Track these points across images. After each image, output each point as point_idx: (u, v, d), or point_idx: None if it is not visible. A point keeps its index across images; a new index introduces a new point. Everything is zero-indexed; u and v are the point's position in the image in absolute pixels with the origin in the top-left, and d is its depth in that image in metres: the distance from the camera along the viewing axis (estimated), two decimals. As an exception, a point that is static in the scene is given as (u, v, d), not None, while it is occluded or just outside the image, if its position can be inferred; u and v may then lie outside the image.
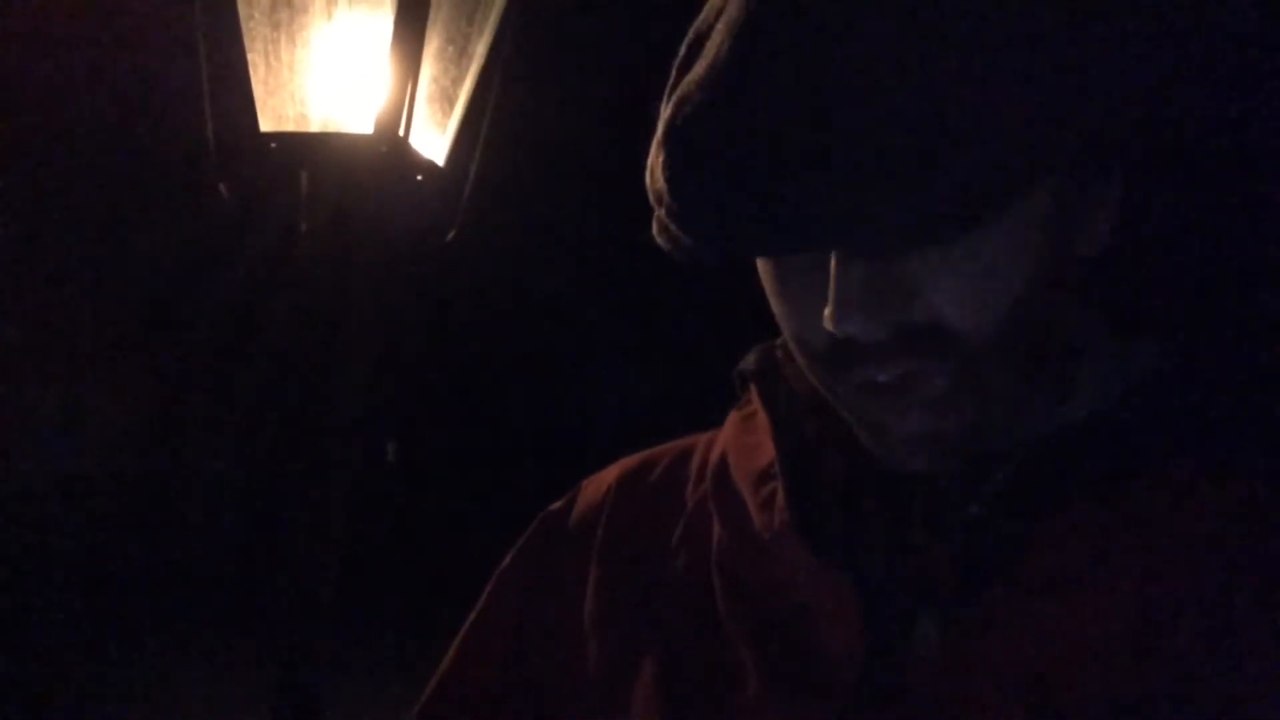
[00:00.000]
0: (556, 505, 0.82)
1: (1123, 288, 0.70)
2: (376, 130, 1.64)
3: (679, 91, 0.60)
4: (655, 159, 0.61)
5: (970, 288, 0.58)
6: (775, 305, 0.65)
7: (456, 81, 1.86)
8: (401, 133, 1.64)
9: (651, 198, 0.63)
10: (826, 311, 0.58)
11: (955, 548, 0.62)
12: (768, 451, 0.70)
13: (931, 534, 0.63)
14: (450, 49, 1.83)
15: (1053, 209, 0.60)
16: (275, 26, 1.66)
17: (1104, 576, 0.60)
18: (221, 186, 1.68)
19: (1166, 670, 0.57)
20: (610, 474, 0.81)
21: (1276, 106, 0.70)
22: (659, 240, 0.63)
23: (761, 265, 0.65)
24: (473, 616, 0.81)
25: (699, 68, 0.59)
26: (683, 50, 0.63)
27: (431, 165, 1.80)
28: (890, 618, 0.63)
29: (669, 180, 0.59)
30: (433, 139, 1.82)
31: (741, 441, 0.73)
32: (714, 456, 0.75)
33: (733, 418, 0.76)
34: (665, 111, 0.61)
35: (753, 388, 0.74)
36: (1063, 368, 0.65)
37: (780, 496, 0.68)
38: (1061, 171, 0.59)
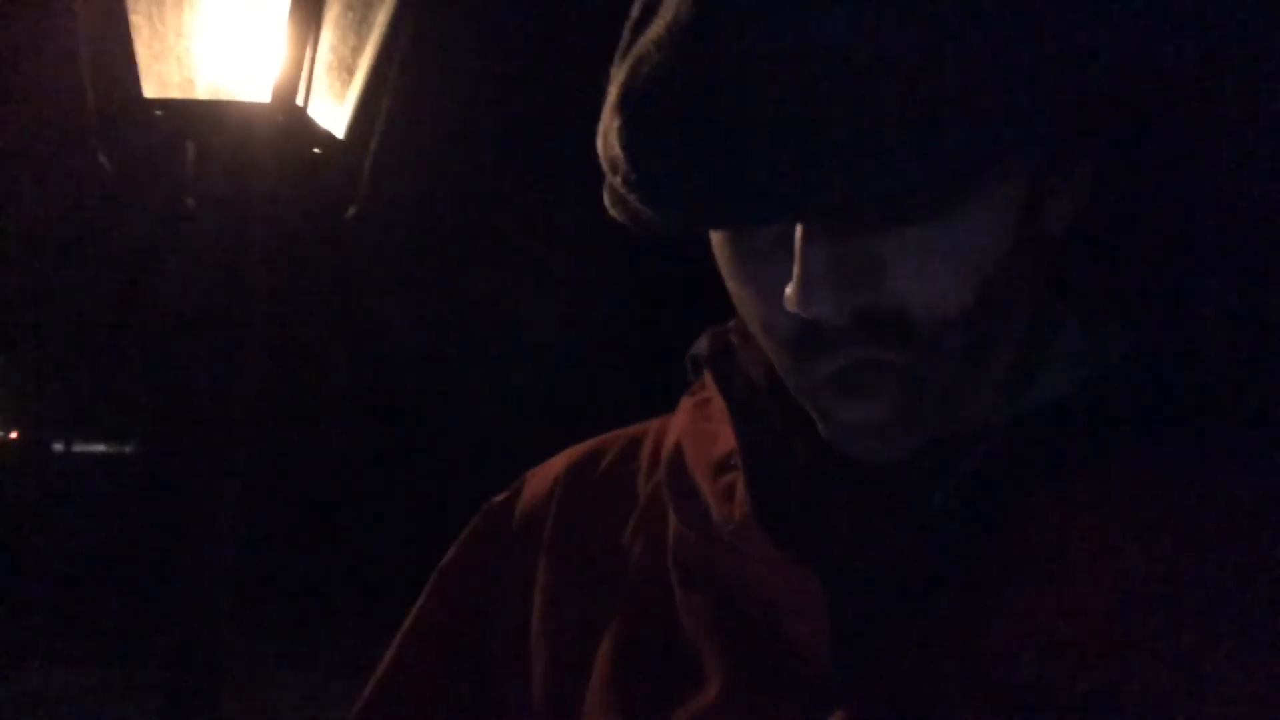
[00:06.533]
0: (500, 497, 0.78)
1: (1091, 273, 0.68)
2: (274, 99, 1.55)
3: (634, 51, 0.56)
4: (609, 124, 0.57)
5: (939, 269, 0.56)
6: (733, 286, 0.62)
7: (357, 50, 1.78)
8: (300, 102, 1.55)
9: (605, 165, 0.58)
10: (790, 291, 0.56)
11: (921, 538, 0.60)
12: (726, 440, 0.67)
13: (896, 524, 0.61)
14: (350, 15, 1.75)
15: (1026, 189, 0.58)
16: (160, -15, 1.56)
17: (1073, 565, 0.58)
18: (102, 157, 1.59)
19: (1139, 659, 0.55)
20: (557, 464, 0.77)
21: (1257, 90, 0.69)
22: (612, 211, 0.59)
23: (719, 246, 0.62)
24: (413, 613, 0.77)
25: (657, 26, 0.55)
26: (636, 9, 0.59)
27: (330, 138, 1.72)
28: (857, 611, 0.60)
29: (626, 147, 0.55)
30: (331, 110, 1.73)
31: (697, 429, 0.70)
32: (668, 445, 0.71)
33: (685, 404, 0.72)
34: (619, 74, 0.57)
35: (707, 373, 0.70)
36: (1027, 353, 0.63)
37: (740, 487, 0.65)
38: (1038, 150, 0.57)
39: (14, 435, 9.87)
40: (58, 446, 10.23)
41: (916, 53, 0.51)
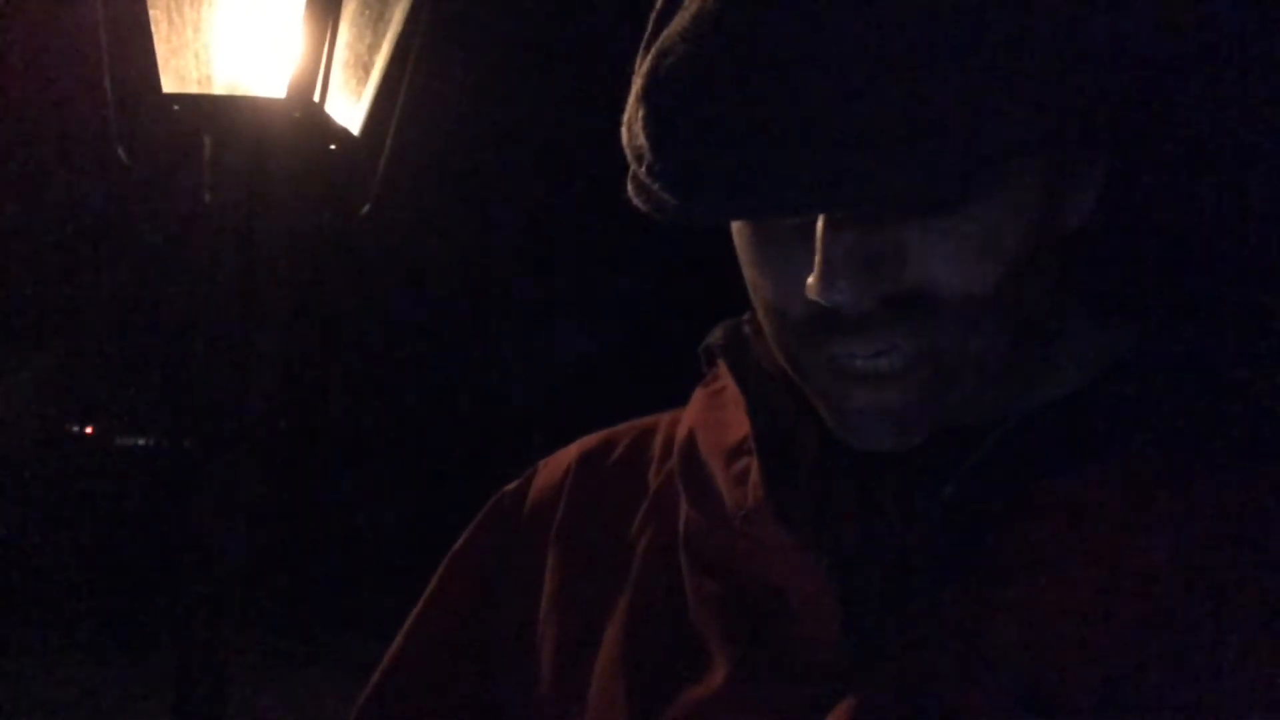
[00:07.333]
0: (512, 486, 0.79)
1: (1102, 269, 0.69)
2: (290, 94, 1.55)
3: (660, 43, 0.56)
4: (634, 114, 0.57)
5: (961, 261, 0.57)
6: (750, 273, 0.62)
7: (373, 48, 1.78)
8: (316, 98, 1.56)
9: (629, 155, 0.58)
10: (811, 280, 0.56)
11: (930, 528, 0.61)
12: (739, 427, 0.68)
13: (906, 514, 0.62)
14: (366, 13, 1.75)
15: (1047, 182, 0.58)
16: (179, -19, 1.56)
17: (1077, 558, 0.59)
18: (120, 150, 1.60)
19: (1141, 653, 0.56)
20: (569, 454, 0.78)
21: (1267, 92, 0.69)
22: (636, 201, 0.58)
23: (738, 231, 0.62)
24: (423, 600, 0.78)
25: (682, 18, 0.56)
26: (660, 2, 0.59)
27: (346, 134, 1.72)
28: (865, 599, 0.61)
29: (650, 137, 0.55)
30: (347, 107, 1.74)
31: (710, 417, 0.70)
32: (680, 434, 0.71)
33: (699, 394, 0.72)
34: (643, 65, 0.57)
35: (721, 362, 0.71)
36: (1039, 347, 0.64)
37: (754, 473, 0.65)
38: (1059, 143, 0.57)
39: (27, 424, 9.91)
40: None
41: (936, 47, 0.51)
